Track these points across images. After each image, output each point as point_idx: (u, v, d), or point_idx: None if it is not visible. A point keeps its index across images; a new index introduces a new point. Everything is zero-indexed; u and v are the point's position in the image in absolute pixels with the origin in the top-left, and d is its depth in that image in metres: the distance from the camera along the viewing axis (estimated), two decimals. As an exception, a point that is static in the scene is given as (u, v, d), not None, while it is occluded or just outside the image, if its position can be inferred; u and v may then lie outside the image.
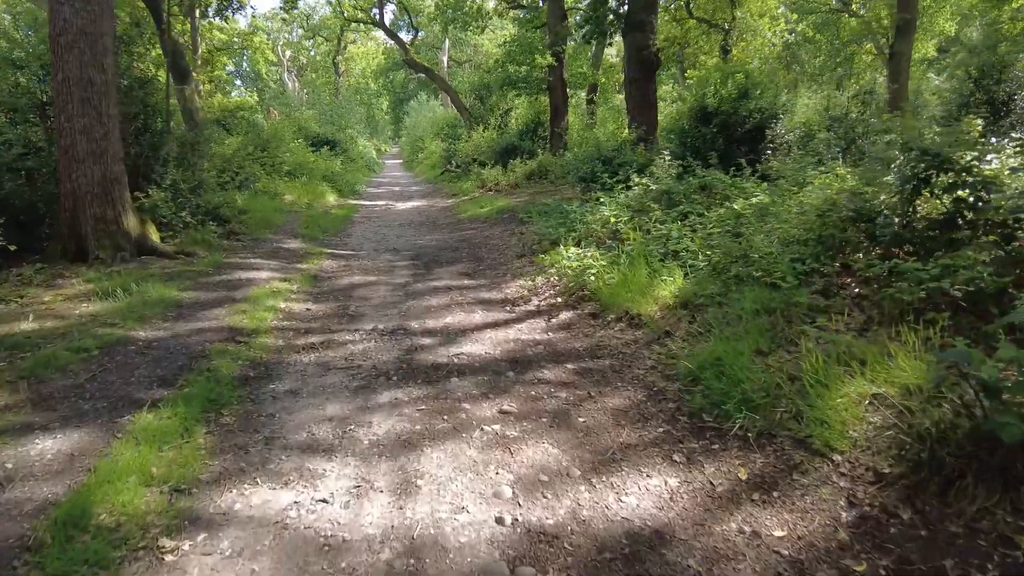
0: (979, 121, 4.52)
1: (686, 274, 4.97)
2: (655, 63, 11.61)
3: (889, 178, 4.44)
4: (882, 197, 4.44)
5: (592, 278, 5.35)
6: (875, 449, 2.69)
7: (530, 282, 6.22)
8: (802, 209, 5.41)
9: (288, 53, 45.24)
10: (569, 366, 4.08)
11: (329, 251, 8.43)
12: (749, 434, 3.00)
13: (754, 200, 5.46)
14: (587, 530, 2.43)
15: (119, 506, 2.48)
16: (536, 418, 3.37)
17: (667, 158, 7.23)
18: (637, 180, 7.40)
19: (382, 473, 2.84)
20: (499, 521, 2.48)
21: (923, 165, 4.05)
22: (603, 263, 5.44)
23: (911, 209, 4.29)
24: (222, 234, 8.43)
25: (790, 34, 22.27)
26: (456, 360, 4.25)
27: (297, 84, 42.67)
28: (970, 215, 3.95)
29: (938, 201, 4.20)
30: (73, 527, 2.34)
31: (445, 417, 3.39)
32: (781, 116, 8.86)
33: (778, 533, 2.35)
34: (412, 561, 2.25)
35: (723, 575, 2.16)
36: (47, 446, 3.02)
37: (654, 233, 5.88)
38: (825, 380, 3.07)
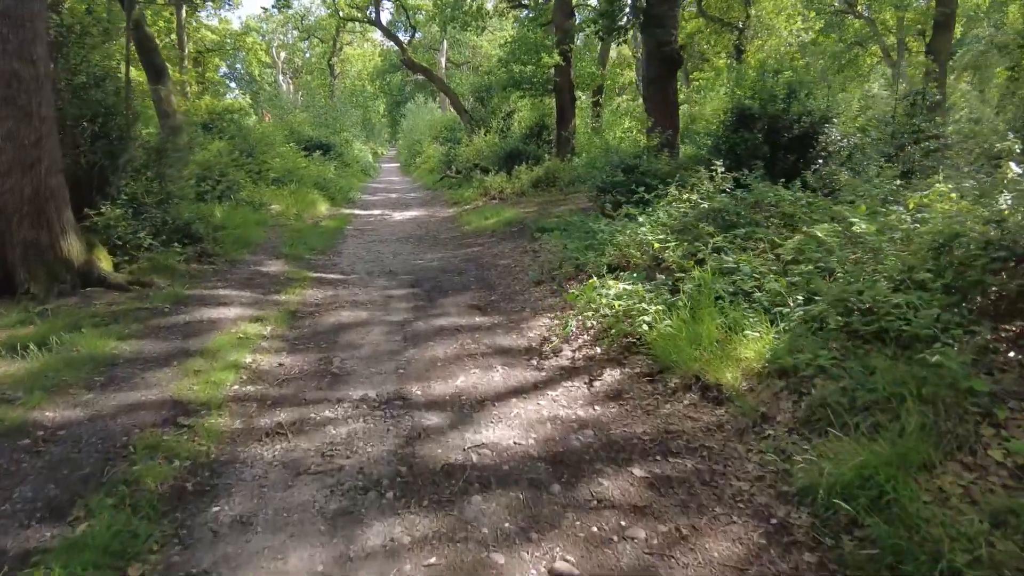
0: None
1: (774, 326, 3.79)
2: (677, 61, 10.46)
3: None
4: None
5: (645, 326, 4.17)
6: None
7: (558, 322, 5.06)
8: (906, 237, 4.27)
9: (283, 55, 44.09)
10: (636, 472, 2.90)
11: (315, 275, 7.24)
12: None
13: (855, 225, 4.26)
14: None
15: None
16: (607, 582, 2.19)
17: (720, 169, 6.04)
18: (677, 194, 6.24)
19: None
20: None
21: None
22: (659, 306, 4.26)
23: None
24: (190, 256, 7.21)
25: (806, 33, 21.15)
26: (475, 458, 3.06)
27: (292, 86, 41.49)
28: None
29: None
30: None
31: (467, 580, 2.22)
32: (834, 120, 7.73)
33: None
34: None
35: None
36: None
37: (712, 264, 4.70)
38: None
